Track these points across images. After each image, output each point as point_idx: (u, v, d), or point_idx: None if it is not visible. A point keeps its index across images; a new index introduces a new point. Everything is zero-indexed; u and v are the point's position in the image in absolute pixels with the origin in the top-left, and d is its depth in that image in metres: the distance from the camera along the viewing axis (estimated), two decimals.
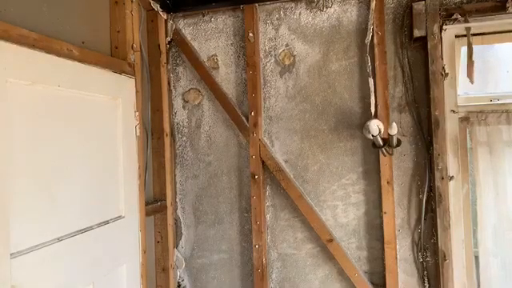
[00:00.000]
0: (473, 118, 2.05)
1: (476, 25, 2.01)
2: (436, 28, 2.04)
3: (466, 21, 2.01)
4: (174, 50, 2.52)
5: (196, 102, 2.51)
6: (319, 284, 2.30)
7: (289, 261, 2.35)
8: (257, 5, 2.34)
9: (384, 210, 2.12)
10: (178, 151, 2.53)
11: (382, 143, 2.01)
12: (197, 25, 2.48)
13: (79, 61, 1.62)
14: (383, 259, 2.14)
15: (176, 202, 2.52)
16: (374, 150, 2.15)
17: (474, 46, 2.02)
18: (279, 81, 2.36)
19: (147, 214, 2.12)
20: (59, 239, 1.49)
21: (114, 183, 1.85)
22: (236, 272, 2.44)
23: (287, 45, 2.35)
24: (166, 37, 2.46)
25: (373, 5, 2.14)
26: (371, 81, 2.12)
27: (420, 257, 2.13)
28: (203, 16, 2.47)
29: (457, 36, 2.07)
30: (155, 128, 2.37)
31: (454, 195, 2.03)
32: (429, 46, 2.05)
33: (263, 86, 2.38)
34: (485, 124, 2.03)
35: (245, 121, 2.35)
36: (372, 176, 2.20)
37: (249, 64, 2.34)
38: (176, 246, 2.50)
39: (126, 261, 1.90)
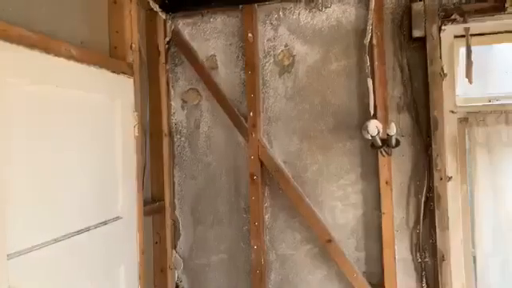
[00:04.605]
0: (471, 118, 2.05)
1: (475, 25, 2.01)
2: (435, 28, 2.05)
3: (464, 21, 2.01)
4: (172, 50, 2.51)
5: (195, 103, 2.50)
6: (318, 285, 2.29)
7: (287, 261, 2.34)
8: (256, 5, 2.33)
9: (383, 211, 2.12)
10: (176, 152, 2.52)
11: (380, 144, 2.01)
12: (196, 25, 2.48)
13: (78, 61, 1.61)
14: (382, 260, 2.14)
15: (174, 202, 2.51)
16: (373, 151, 2.14)
17: (472, 47, 2.02)
18: (278, 81, 2.36)
19: (145, 214, 2.11)
20: (56, 240, 1.47)
21: (112, 184, 1.84)
22: (234, 273, 2.43)
23: (286, 45, 2.35)
24: (165, 37, 2.46)
25: (372, 5, 2.14)
26: (370, 81, 2.12)
27: (419, 257, 2.13)
28: (202, 16, 2.46)
29: (456, 36, 2.07)
30: (154, 128, 2.37)
31: (453, 196, 2.03)
32: (428, 47, 2.05)
33: (262, 87, 2.37)
34: (483, 125, 2.03)
35: (243, 121, 2.35)
36: (371, 176, 2.20)
37: (248, 64, 2.33)
38: (174, 246, 2.50)
39: (124, 262, 1.89)
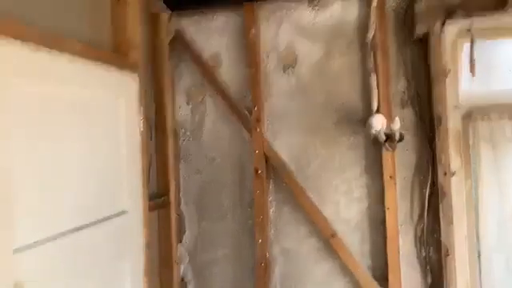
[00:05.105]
0: (475, 113, 2.05)
1: (478, 22, 2.01)
2: (438, 25, 2.05)
3: (467, 18, 2.01)
4: (176, 48, 2.51)
5: (199, 99, 2.51)
6: (322, 278, 2.30)
7: (292, 255, 2.35)
8: (258, 3, 2.35)
9: (387, 205, 2.12)
10: (181, 147, 2.53)
11: (384, 138, 2.01)
12: (199, 23, 2.49)
13: (82, 58, 1.61)
14: (386, 254, 2.14)
15: (180, 197, 2.52)
16: (377, 146, 2.15)
17: (475, 43, 2.02)
18: (281, 78, 2.37)
19: (151, 209, 2.12)
20: (62, 234, 1.47)
21: (118, 179, 1.84)
22: (239, 267, 2.44)
23: (289, 42, 2.36)
24: (168, 35, 2.46)
25: (374, 2, 2.15)
26: (373, 78, 2.13)
27: (423, 252, 2.13)
28: (205, 14, 2.47)
29: (459, 33, 2.07)
30: (159, 124, 2.37)
31: (457, 190, 2.02)
32: (431, 43, 2.06)
33: (265, 84, 2.38)
34: (487, 120, 2.04)
35: (248, 116, 2.36)
36: (375, 171, 2.21)
37: (251, 62, 2.34)
38: (180, 241, 2.50)
39: (130, 256, 1.89)
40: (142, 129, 2.03)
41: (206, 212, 2.49)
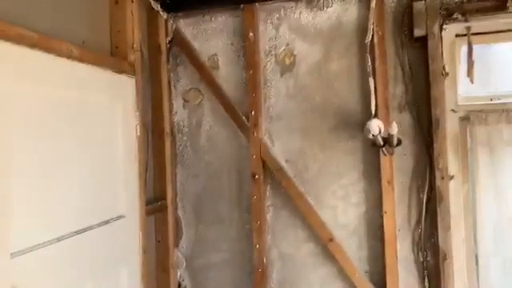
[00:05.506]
0: (473, 117, 2.04)
1: (476, 24, 2.01)
2: (436, 27, 2.04)
3: (466, 20, 2.01)
4: (174, 50, 2.51)
5: (196, 102, 2.50)
6: (320, 283, 2.29)
7: (289, 260, 2.34)
8: (257, 4, 2.34)
9: (384, 210, 2.11)
10: (178, 151, 2.53)
11: (382, 143, 2.01)
12: (197, 24, 2.48)
13: (79, 61, 1.61)
14: (384, 259, 2.14)
15: (176, 201, 2.51)
16: (375, 150, 2.14)
17: (474, 46, 2.02)
18: (280, 80, 2.36)
19: (148, 213, 2.12)
20: (59, 239, 1.48)
21: (115, 183, 1.85)
22: (237, 271, 2.43)
23: (287, 44, 2.35)
24: (167, 36, 2.45)
25: (373, 4, 2.13)
26: (371, 80, 2.12)
27: (420, 256, 2.13)
28: (203, 16, 2.47)
29: (457, 35, 2.07)
30: (155, 127, 2.37)
31: (455, 195, 2.03)
32: (429, 46, 2.05)
33: (263, 86, 2.37)
34: (485, 123, 2.02)
35: (245, 120, 2.35)
36: (372, 176, 2.20)
37: (249, 64, 2.33)
38: (177, 245, 2.50)
39: (127, 260, 1.90)
40: (138, 133, 2.02)
41: (203, 217, 2.49)
